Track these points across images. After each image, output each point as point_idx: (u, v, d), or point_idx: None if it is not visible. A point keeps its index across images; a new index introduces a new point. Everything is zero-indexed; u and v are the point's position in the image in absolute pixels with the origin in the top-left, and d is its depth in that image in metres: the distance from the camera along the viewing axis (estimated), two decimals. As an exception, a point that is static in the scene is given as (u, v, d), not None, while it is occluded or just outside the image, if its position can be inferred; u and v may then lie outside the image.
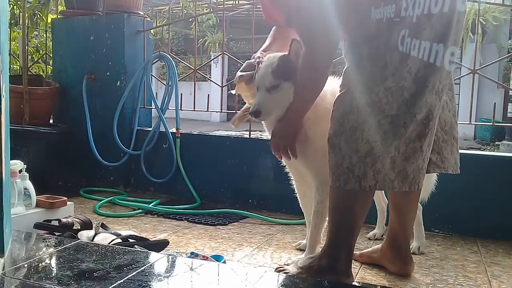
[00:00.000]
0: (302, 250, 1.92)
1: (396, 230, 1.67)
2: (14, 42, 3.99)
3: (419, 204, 1.82)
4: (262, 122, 1.70)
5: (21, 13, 3.55)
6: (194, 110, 3.15)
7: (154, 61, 3.13)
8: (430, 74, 1.37)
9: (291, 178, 1.87)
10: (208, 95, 3.04)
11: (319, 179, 1.65)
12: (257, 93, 1.59)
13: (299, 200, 1.88)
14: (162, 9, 9.82)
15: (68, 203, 2.23)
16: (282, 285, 1.35)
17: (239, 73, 1.69)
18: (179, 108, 2.97)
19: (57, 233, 1.88)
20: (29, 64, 3.70)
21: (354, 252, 1.81)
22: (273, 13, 1.68)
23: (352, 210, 1.48)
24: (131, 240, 1.79)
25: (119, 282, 1.31)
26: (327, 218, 1.59)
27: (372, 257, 1.78)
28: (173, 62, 3.02)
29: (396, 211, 1.67)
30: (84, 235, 1.84)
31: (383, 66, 1.36)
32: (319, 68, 1.50)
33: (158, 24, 5.10)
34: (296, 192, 1.88)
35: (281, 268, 1.61)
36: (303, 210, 1.88)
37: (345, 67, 1.47)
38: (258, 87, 1.59)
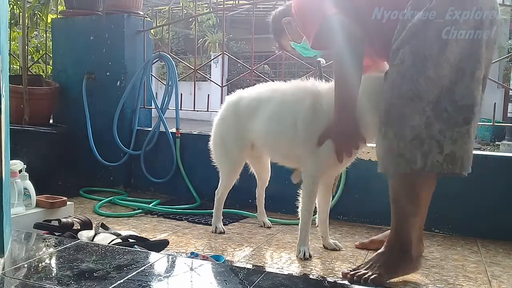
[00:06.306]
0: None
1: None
2: (14, 42, 3.99)
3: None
4: None
5: (21, 13, 3.55)
6: (194, 110, 3.15)
7: (154, 61, 3.13)
8: (470, 64, 1.47)
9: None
10: (208, 95, 3.04)
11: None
12: None
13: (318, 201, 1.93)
14: (162, 9, 9.83)
15: (68, 203, 2.23)
16: (282, 285, 1.35)
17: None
18: (179, 108, 2.97)
19: (57, 233, 1.88)
20: (29, 64, 3.70)
21: (364, 241, 1.98)
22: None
23: (413, 195, 1.56)
24: (131, 240, 1.79)
25: (119, 282, 1.31)
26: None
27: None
28: (173, 62, 3.02)
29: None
30: (84, 235, 1.84)
31: (423, 58, 1.47)
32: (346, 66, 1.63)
33: (158, 24, 5.10)
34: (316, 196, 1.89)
35: (355, 273, 1.56)
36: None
37: (389, 67, 1.58)
38: None
